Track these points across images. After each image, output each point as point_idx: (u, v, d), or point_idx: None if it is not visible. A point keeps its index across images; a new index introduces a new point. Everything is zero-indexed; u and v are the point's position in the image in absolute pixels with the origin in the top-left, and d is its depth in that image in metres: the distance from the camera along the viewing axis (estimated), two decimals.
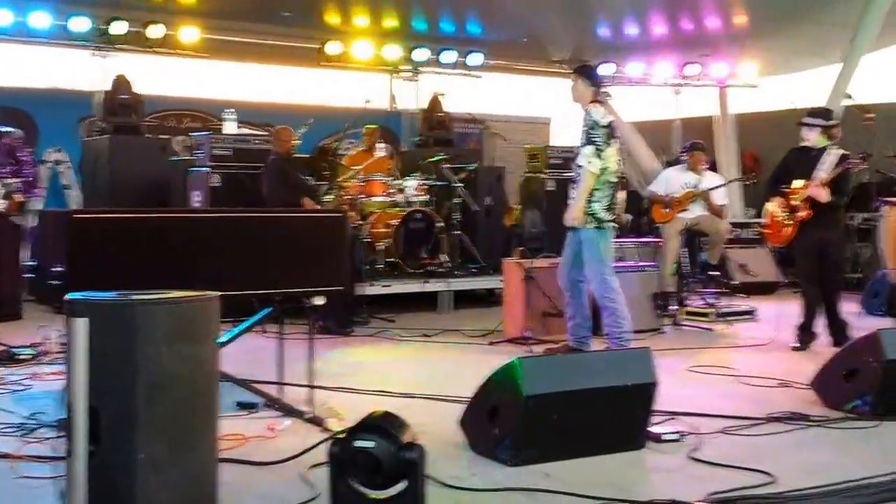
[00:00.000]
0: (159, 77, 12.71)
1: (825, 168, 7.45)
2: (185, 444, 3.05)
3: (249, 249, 4.91)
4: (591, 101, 7.00)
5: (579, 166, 6.94)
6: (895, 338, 5.36)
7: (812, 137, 7.68)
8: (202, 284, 3.43)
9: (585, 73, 7.26)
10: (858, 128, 8.00)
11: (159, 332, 3.02)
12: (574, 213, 6.90)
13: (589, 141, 6.81)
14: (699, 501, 3.64)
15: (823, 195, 7.43)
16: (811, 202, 7.48)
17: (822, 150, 7.56)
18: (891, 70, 15.03)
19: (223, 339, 4.93)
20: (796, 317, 7.76)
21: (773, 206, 7.76)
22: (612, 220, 7.01)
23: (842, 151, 7.56)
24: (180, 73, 13.35)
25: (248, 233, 5.04)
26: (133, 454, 2.93)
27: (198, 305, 3.15)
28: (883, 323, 7.92)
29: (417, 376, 6.48)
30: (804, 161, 7.65)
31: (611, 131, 6.90)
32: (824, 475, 4.03)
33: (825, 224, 7.56)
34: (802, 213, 7.55)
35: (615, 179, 7.02)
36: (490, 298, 10.53)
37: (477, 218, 11.07)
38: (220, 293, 3.23)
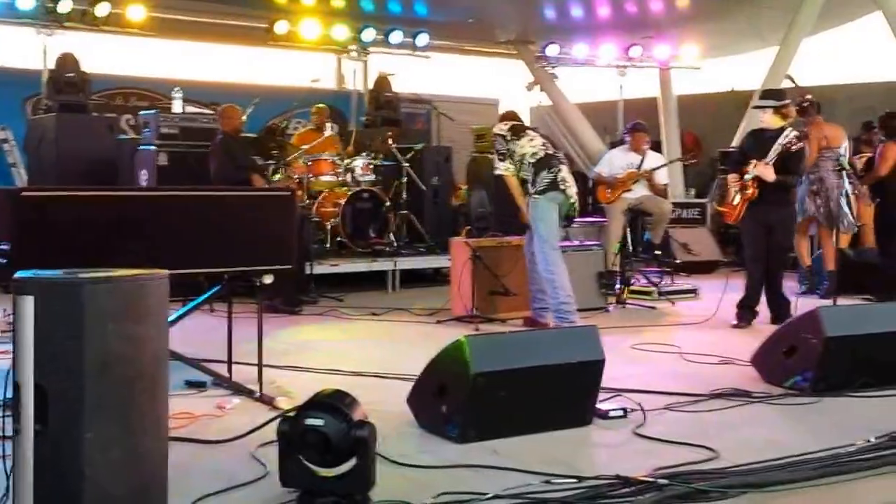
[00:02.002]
0: (106, 55, 12.55)
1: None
2: (133, 423, 3.03)
3: (198, 228, 4.88)
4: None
5: None
6: (835, 315, 5.50)
7: (766, 119, 7.80)
8: (151, 263, 3.41)
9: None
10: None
11: (107, 310, 2.99)
12: (521, 216, 7.53)
13: (495, 152, 7.57)
14: (644, 477, 3.69)
15: (769, 174, 7.55)
16: (759, 181, 7.61)
17: (779, 132, 7.67)
18: (829, 53, 15.29)
19: (171, 318, 4.90)
20: (737, 295, 7.89)
21: (729, 185, 7.90)
22: (553, 192, 7.31)
23: (795, 131, 7.67)
24: (127, 51, 13.19)
25: (197, 211, 5.00)
26: (81, 434, 2.91)
27: (147, 284, 3.13)
28: (822, 301, 8.08)
29: (366, 355, 6.49)
30: (760, 142, 7.75)
31: (511, 131, 7.51)
32: (766, 450, 4.10)
33: (773, 203, 7.66)
34: (749, 192, 7.68)
35: (540, 156, 7.38)
36: (437, 278, 10.58)
37: (424, 198, 11.09)
38: (169, 272, 3.21)
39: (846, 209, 9.08)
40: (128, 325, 3.02)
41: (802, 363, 5.38)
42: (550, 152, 7.47)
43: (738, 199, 7.76)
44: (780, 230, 7.82)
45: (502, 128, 7.59)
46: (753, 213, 7.70)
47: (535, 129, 7.82)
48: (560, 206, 7.41)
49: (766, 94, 8.02)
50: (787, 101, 7.90)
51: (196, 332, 5.99)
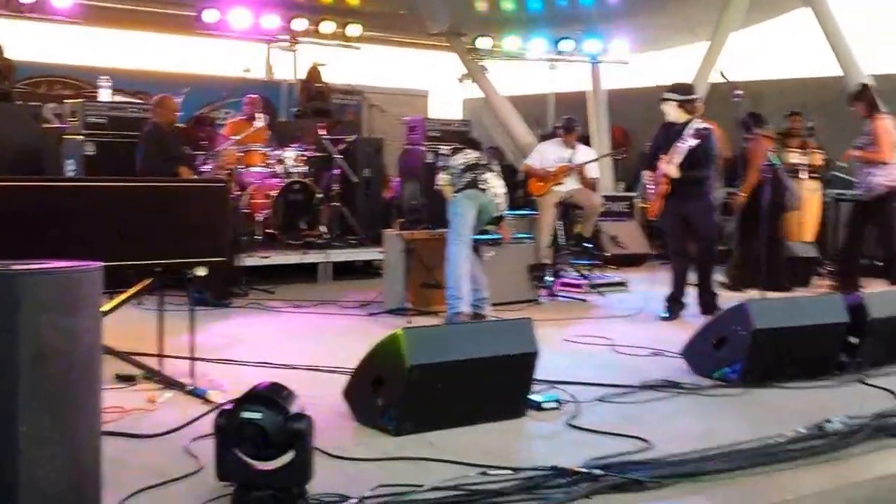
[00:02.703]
0: (31, 43, 12.25)
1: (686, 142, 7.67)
2: (68, 416, 2.97)
3: (128, 219, 4.80)
4: None
5: None
6: (763, 308, 5.61)
7: (671, 112, 7.87)
8: (82, 255, 3.34)
9: None
10: (728, 105, 8.22)
11: (41, 303, 2.92)
12: None
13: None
14: (579, 468, 3.73)
15: (672, 170, 7.66)
16: (667, 177, 7.72)
17: (685, 125, 7.75)
18: (759, 48, 15.57)
19: (104, 310, 4.82)
20: (666, 287, 8.00)
21: (647, 181, 8.01)
22: (471, 190, 7.58)
23: (702, 125, 7.75)
24: (53, 38, 12.90)
25: (127, 202, 4.91)
26: (14, 427, 2.85)
27: (80, 276, 3.06)
28: (750, 294, 8.23)
29: (297, 348, 6.44)
30: (669, 136, 7.84)
31: (452, 151, 8.44)
32: (697, 441, 4.17)
33: (685, 197, 7.76)
34: (662, 188, 7.80)
35: (470, 164, 7.76)
36: (369, 270, 10.53)
37: (356, 189, 11.04)
38: (102, 264, 3.15)
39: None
40: (62, 318, 2.96)
41: (731, 355, 5.48)
42: (482, 162, 7.81)
43: (652, 193, 7.90)
44: (698, 223, 7.87)
45: (445, 149, 8.62)
46: (670, 207, 7.82)
47: (476, 147, 8.19)
48: (481, 204, 7.57)
49: (672, 87, 8.05)
50: (694, 96, 7.97)
51: (126, 326, 5.87)
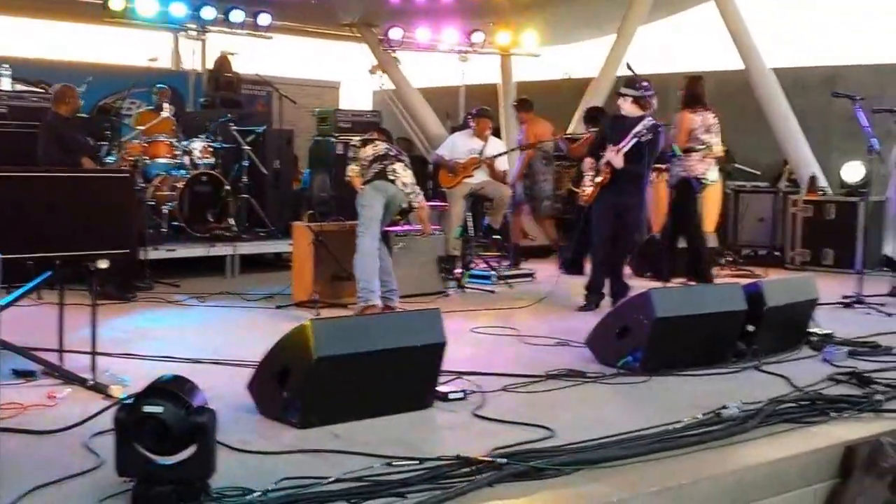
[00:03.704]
0: None
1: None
2: None
3: (29, 210, 4.69)
4: None
5: None
6: (665, 297, 5.72)
7: (626, 107, 8.02)
8: None
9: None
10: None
11: None
12: None
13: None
14: (483, 457, 3.76)
15: (618, 161, 7.79)
16: (611, 167, 7.84)
17: (637, 119, 7.87)
18: (666, 43, 15.85)
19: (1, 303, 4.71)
20: (570, 279, 8.11)
21: (585, 168, 8.10)
22: (379, 182, 7.57)
23: (652, 121, 7.87)
24: None
25: (28, 193, 4.80)
26: None
27: None
28: (652, 284, 8.39)
29: (203, 341, 6.37)
30: (619, 128, 7.96)
31: (361, 143, 7.98)
32: (600, 428, 4.24)
33: (622, 190, 7.88)
34: (601, 177, 7.91)
35: (379, 154, 7.70)
36: (278, 263, 10.46)
37: (265, 181, 10.94)
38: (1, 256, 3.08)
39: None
40: None
41: (633, 343, 5.58)
42: (391, 153, 7.76)
43: (589, 181, 8.00)
44: (627, 216, 8.00)
45: (356, 140, 8.23)
46: (604, 197, 7.93)
47: (385, 140, 8.06)
48: (389, 196, 7.57)
49: (629, 83, 8.21)
50: (649, 93, 8.08)
51: (24, 321, 5.74)
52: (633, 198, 8.02)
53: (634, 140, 7.75)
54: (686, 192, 8.89)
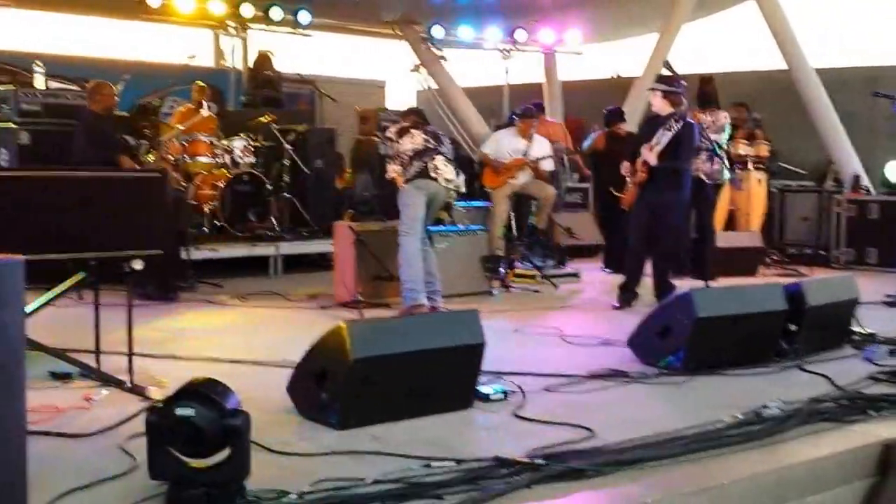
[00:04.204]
0: None
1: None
2: None
3: (62, 210, 4.67)
4: None
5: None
6: (706, 297, 5.65)
7: (656, 102, 7.92)
8: (9, 248, 3.24)
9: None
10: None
11: None
12: None
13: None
14: (522, 458, 3.71)
15: (651, 158, 7.68)
16: (647, 166, 7.73)
17: (668, 117, 7.76)
18: (708, 41, 15.67)
19: (33, 306, 4.70)
20: (617, 278, 8.01)
21: (626, 172, 8.00)
22: (420, 180, 7.42)
23: (686, 118, 7.76)
24: None
25: (61, 193, 4.78)
26: None
27: (1, 270, 2.97)
28: (695, 283, 8.26)
29: (246, 342, 6.36)
30: (651, 127, 7.88)
31: (398, 133, 7.68)
32: (640, 428, 4.17)
33: (659, 187, 7.77)
34: (640, 176, 7.80)
35: (418, 150, 7.49)
36: (322, 263, 10.43)
37: (307, 181, 10.93)
38: (25, 257, 3.04)
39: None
40: None
41: (675, 343, 5.50)
42: (430, 146, 7.54)
43: (629, 182, 7.91)
44: (666, 215, 7.88)
45: (392, 130, 7.83)
46: (641, 195, 7.83)
47: (421, 126, 7.79)
48: (430, 194, 7.46)
49: (660, 78, 8.15)
50: (680, 89, 7.95)
51: (63, 322, 5.76)
52: (671, 195, 7.86)
53: (666, 135, 7.62)
54: (694, 191, 8.76)
